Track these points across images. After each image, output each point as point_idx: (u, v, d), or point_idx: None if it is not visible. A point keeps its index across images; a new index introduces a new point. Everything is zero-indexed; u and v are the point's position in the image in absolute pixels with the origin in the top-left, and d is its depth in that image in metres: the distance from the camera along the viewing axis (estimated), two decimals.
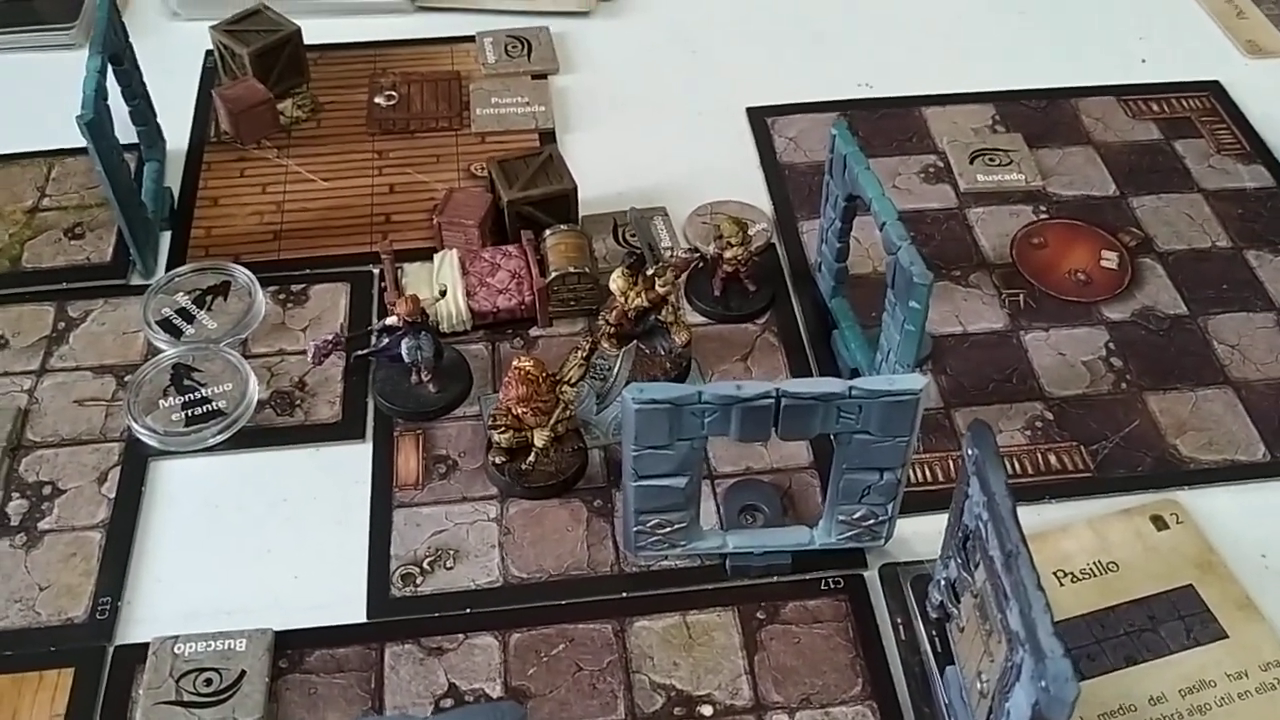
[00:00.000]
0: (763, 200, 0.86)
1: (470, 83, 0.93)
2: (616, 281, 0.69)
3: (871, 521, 0.63)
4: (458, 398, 0.72)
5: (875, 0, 1.04)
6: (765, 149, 0.90)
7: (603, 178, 0.86)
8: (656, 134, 0.91)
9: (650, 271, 0.69)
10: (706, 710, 0.60)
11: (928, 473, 0.70)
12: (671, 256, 0.74)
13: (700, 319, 0.77)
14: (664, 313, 0.71)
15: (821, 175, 0.86)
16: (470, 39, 0.98)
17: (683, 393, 0.56)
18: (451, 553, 0.65)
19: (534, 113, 0.91)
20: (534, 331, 0.76)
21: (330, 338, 0.69)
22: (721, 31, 1.01)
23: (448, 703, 0.59)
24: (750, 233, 0.77)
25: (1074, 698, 0.45)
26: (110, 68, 0.76)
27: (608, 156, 0.89)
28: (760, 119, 0.92)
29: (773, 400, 0.56)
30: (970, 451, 0.54)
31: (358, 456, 0.70)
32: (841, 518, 0.63)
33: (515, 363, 0.65)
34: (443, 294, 0.72)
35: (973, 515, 0.55)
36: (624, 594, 0.64)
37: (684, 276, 0.73)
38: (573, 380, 0.66)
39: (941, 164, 0.89)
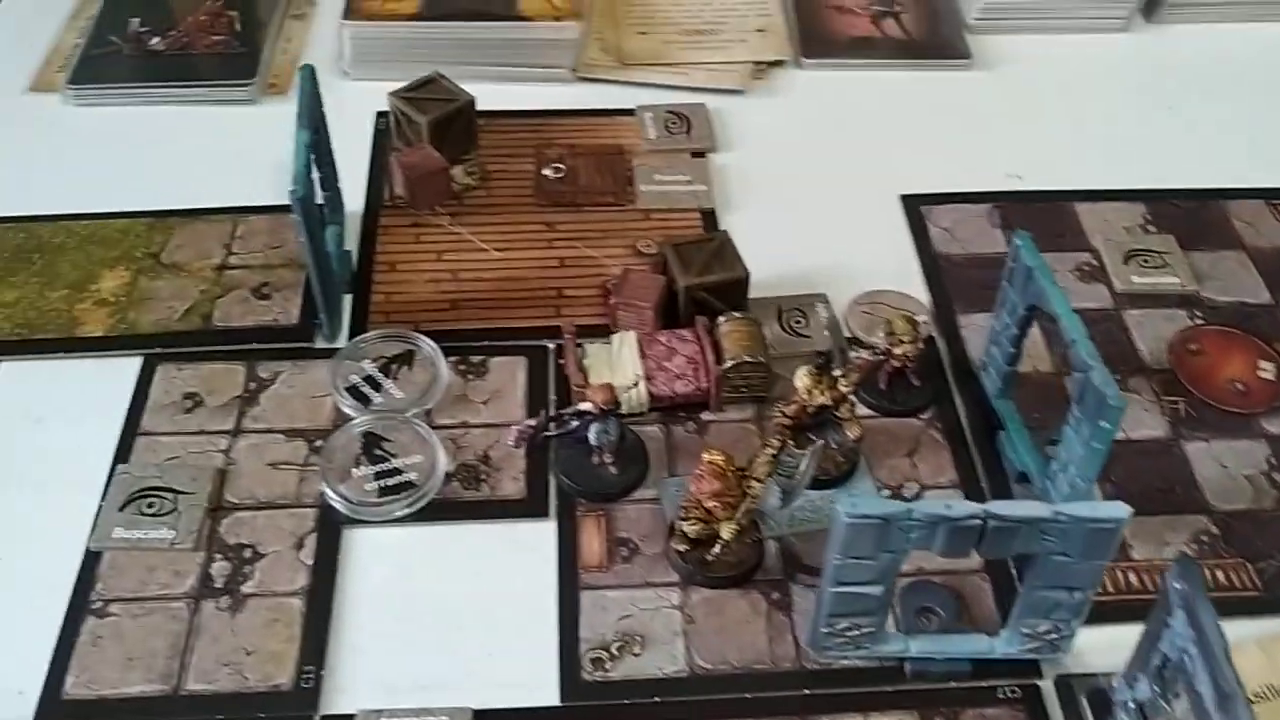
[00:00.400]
0: (920, 291, 0.88)
1: (633, 157, 0.96)
2: (802, 379, 0.71)
3: (1054, 636, 0.65)
4: (637, 480, 0.74)
5: (1025, 91, 1.06)
6: (920, 238, 0.92)
7: (761, 260, 0.87)
8: (812, 218, 0.93)
9: (837, 373, 0.71)
10: None
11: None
12: (857, 358, 0.76)
13: (865, 411, 0.79)
14: (842, 410, 0.73)
15: (978, 269, 0.89)
16: (630, 113, 1.00)
17: (893, 509, 0.58)
18: (638, 638, 0.67)
19: (696, 191, 0.93)
20: (706, 416, 0.78)
21: (534, 423, 0.71)
22: (873, 115, 1.03)
23: None
24: (921, 329, 0.79)
25: None
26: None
27: (765, 239, 0.90)
28: (914, 207, 0.94)
29: (980, 521, 0.58)
30: (1177, 585, 0.56)
31: (543, 534, 0.72)
32: (1025, 630, 0.64)
33: (706, 456, 0.68)
34: (636, 384, 0.74)
35: (1175, 647, 0.56)
36: (806, 691, 0.66)
37: (867, 378, 0.75)
38: (761, 476, 0.68)
39: (1095, 262, 0.90)
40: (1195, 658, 0.54)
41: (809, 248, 0.90)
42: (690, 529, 0.68)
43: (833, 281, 0.88)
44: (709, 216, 0.92)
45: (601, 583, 0.70)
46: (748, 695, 0.66)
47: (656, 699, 0.65)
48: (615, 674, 0.66)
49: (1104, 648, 0.68)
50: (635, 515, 0.73)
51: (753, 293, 0.85)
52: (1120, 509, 0.58)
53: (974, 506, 0.58)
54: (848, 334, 0.84)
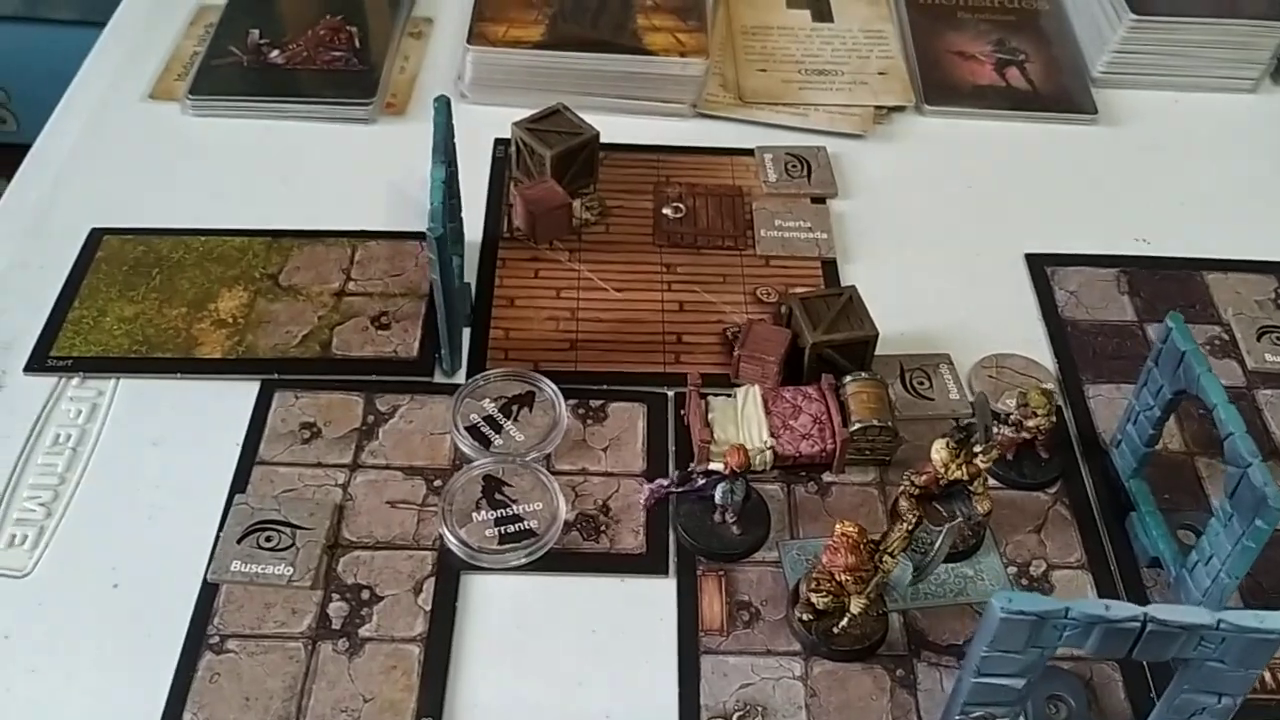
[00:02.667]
0: (1045, 357, 0.86)
1: (752, 200, 0.94)
2: (940, 453, 0.69)
3: None
4: (759, 541, 0.73)
5: (1152, 149, 1.03)
6: (1046, 301, 0.89)
7: (881, 315, 0.85)
8: (933, 272, 0.91)
9: (978, 449, 0.69)
10: None
11: None
12: (999, 435, 0.74)
13: (992, 483, 0.77)
14: (975, 484, 0.71)
15: (1106, 336, 0.87)
16: (749, 152, 0.99)
17: (1050, 607, 0.56)
18: (760, 709, 0.66)
19: (816, 239, 0.92)
20: (827, 477, 0.77)
21: (668, 483, 0.70)
22: (995, 167, 1.01)
23: None
24: (1057, 402, 0.77)
25: None
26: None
27: (885, 292, 0.88)
28: (1039, 267, 0.92)
29: (1138, 625, 0.56)
30: None
31: (663, 592, 0.70)
32: None
33: (839, 528, 0.66)
34: (768, 451, 0.72)
35: None
36: None
37: (1005, 455, 0.73)
38: (895, 551, 0.67)
39: (1226, 337, 0.88)
40: None
41: (929, 303, 0.89)
42: (820, 601, 0.67)
43: (955, 341, 0.86)
44: (830, 266, 0.90)
45: (722, 647, 0.68)
46: None
47: None
48: None
49: None
50: (756, 577, 0.71)
51: (880, 350, 0.84)
52: None
53: (1133, 609, 0.56)
54: (972, 398, 0.82)
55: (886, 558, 0.67)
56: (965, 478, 0.70)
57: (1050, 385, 0.82)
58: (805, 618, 0.68)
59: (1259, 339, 0.87)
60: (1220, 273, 0.93)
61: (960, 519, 0.69)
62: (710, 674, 0.67)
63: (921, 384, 0.82)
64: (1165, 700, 0.61)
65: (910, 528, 0.67)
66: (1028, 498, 0.77)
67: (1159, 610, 0.56)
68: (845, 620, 0.67)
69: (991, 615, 0.56)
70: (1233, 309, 0.90)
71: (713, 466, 0.70)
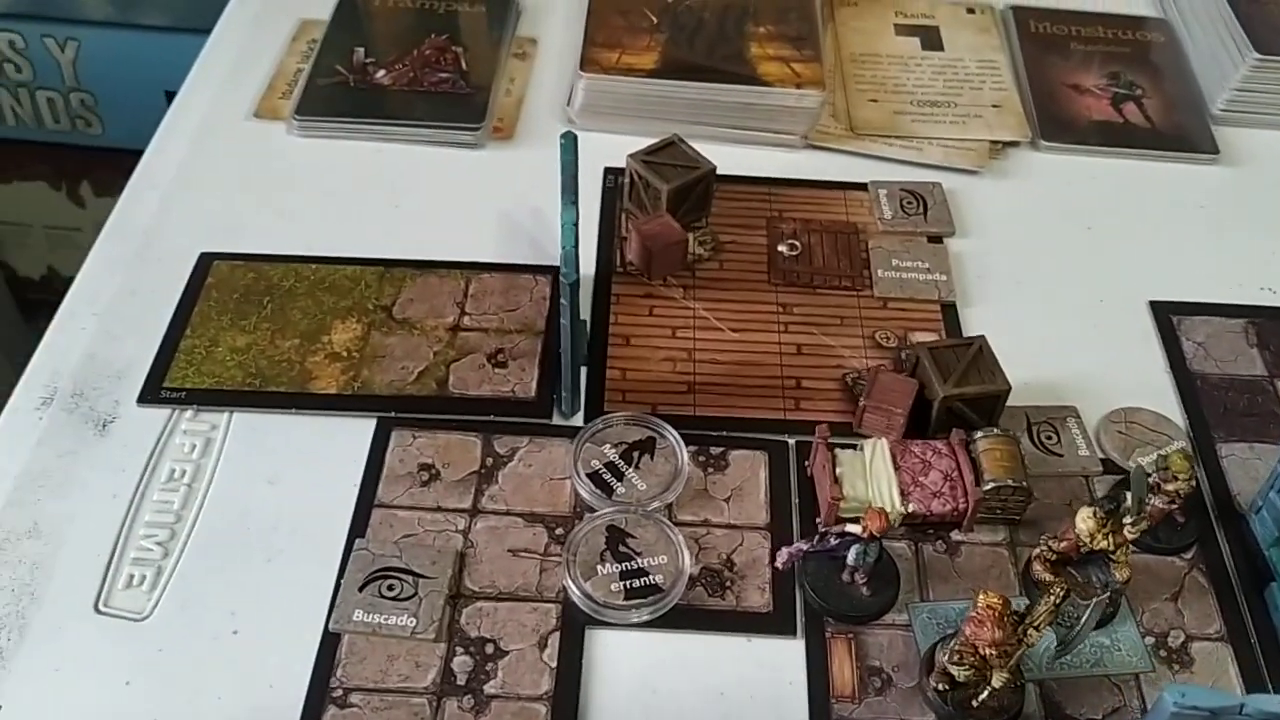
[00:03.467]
0: (1173, 411, 0.83)
1: (868, 238, 0.92)
2: (1085, 523, 0.67)
3: None
4: (889, 603, 0.71)
5: (1276, 192, 1.00)
6: (1173, 352, 0.87)
7: (1004, 364, 0.84)
8: (1056, 319, 0.89)
9: (1126, 520, 0.67)
10: None
11: None
12: (1150, 506, 0.72)
13: None
14: (1118, 553, 0.69)
15: (1237, 391, 0.84)
16: (862, 187, 0.96)
17: (1225, 702, 0.54)
18: None
19: (935, 281, 0.89)
20: (956, 536, 0.75)
21: (806, 546, 0.68)
22: (1116, 208, 0.98)
23: None
24: (1150, 450, 0.75)
25: None
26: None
27: (1005, 338, 0.85)
28: (1165, 315, 0.89)
29: None
30: None
31: (791, 654, 0.69)
32: None
33: (983, 599, 0.64)
34: (901, 520, 0.70)
35: None
36: None
37: (1154, 526, 0.70)
38: (1040, 625, 0.64)
39: None
40: None
41: (1052, 352, 0.86)
42: (961, 674, 0.65)
43: (1080, 392, 0.83)
44: (950, 310, 0.88)
45: (854, 715, 0.66)
46: None
47: None
48: None
49: None
50: (887, 641, 0.69)
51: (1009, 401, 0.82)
52: None
53: None
54: (1101, 454, 0.79)
55: (1031, 631, 0.65)
56: (1111, 548, 0.68)
57: (1185, 445, 0.80)
58: (941, 688, 0.66)
59: None
60: None
61: (1100, 588, 0.67)
62: None
63: (1049, 439, 0.80)
64: None
65: (1058, 601, 0.65)
66: (1163, 563, 0.75)
67: None
68: (985, 694, 0.65)
69: (1164, 709, 0.54)
70: None
71: (850, 529, 0.68)
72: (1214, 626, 0.72)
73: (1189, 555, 0.75)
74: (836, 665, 0.68)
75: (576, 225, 0.72)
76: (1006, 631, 0.63)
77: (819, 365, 0.83)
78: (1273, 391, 0.85)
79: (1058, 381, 0.84)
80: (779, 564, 0.69)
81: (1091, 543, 0.67)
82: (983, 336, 0.81)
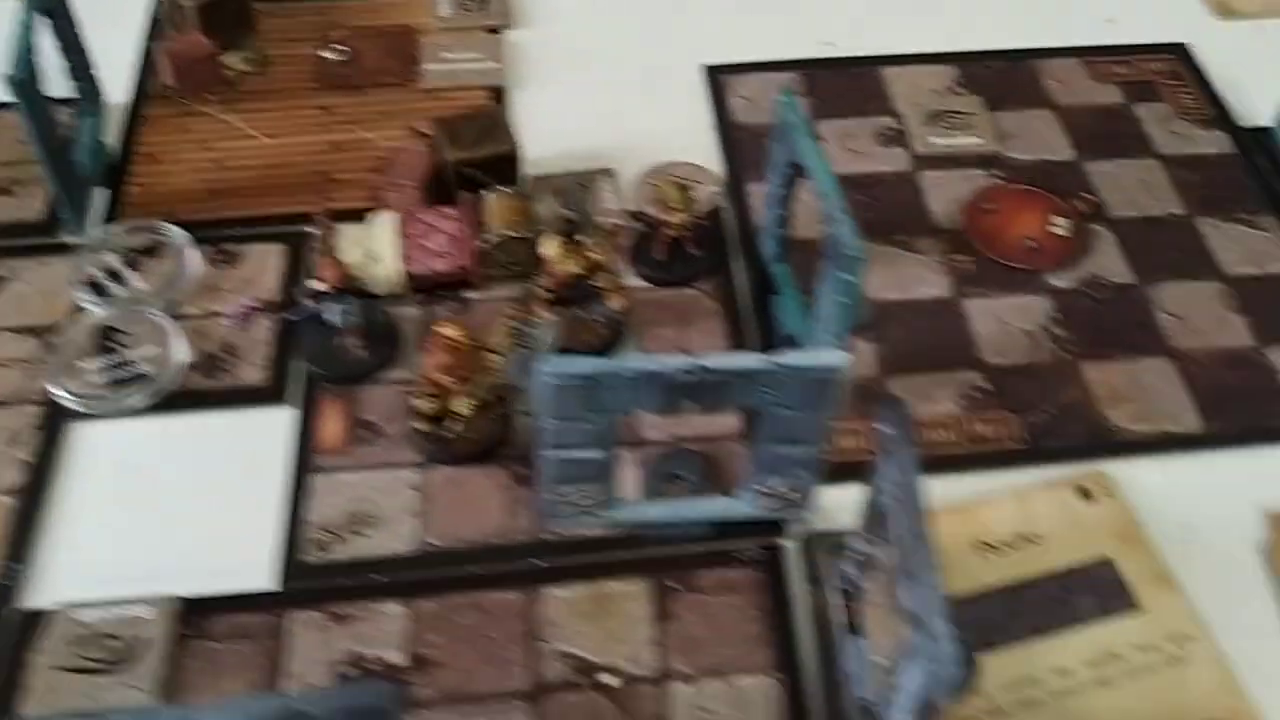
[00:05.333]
0: (715, 162, 0.84)
1: (423, 36, 0.92)
2: (550, 247, 0.68)
3: (791, 493, 0.62)
4: (385, 361, 0.71)
5: None
6: (721, 109, 0.88)
7: (553, 137, 0.85)
8: (610, 92, 0.89)
9: (584, 238, 0.68)
10: (608, 679, 0.60)
11: (859, 441, 0.69)
12: (609, 224, 0.73)
13: (642, 284, 0.76)
14: (600, 279, 0.70)
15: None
16: None
17: (600, 367, 0.55)
18: (370, 519, 0.65)
19: (486, 69, 0.89)
20: (470, 295, 0.75)
21: (250, 302, 0.68)
22: None
23: (351, 671, 0.59)
24: (695, 196, 0.76)
25: (961, 680, 0.45)
26: (45, 20, 0.74)
27: (559, 115, 0.87)
28: (717, 77, 0.90)
29: (692, 375, 0.55)
30: (883, 429, 0.53)
31: (282, 420, 0.69)
32: (761, 489, 0.62)
33: (438, 328, 0.65)
34: (373, 260, 0.70)
35: (885, 493, 0.54)
36: (539, 562, 0.64)
37: (619, 243, 0.71)
38: (501, 349, 0.66)
39: (898, 126, 0.87)
40: (898, 501, 0.52)
41: (604, 123, 0.87)
42: (424, 405, 0.66)
43: (627, 156, 0.84)
44: (499, 95, 0.88)
45: (337, 465, 0.67)
46: (476, 570, 0.63)
47: (382, 577, 0.63)
48: (341, 555, 0.63)
49: (857, 507, 0.65)
50: (382, 397, 0.70)
51: (541, 170, 0.82)
52: (837, 356, 0.56)
53: (685, 360, 0.55)
54: (634, 208, 0.80)
55: (489, 355, 0.66)
56: (583, 271, 0.69)
57: (706, 184, 0.81)
58: (421, 427, 0.67)
59: (928, 124, 0.87)
60: (899, 66, 0.92)
61: (602, 321, 0.69)
62: (322, 492, 0.66)
63: (569, 202, 0.81)
64: (753, 456, 0.61)
65: (513, 324, 0.66)
66: (677, 294, 0.76)
67: (710, 359, 0.55)
68: (460, 426, 0.66)
69: (542, 383, 0.55)
70: (908, 100, 0.89)
71: (317, 287, 0.68)
72: (718, 344, 0.73)
73: (704, 285, 0.77)
74: (324, 423, 0.69)
75: (29, 28, 0.71)
76: (459, 356, 0.64)
77: (356, 159, 0.83)
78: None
79: (606, 149, 0.85)
80: (226, 322, 0.69)
81: (564, 267, 0.68)
82: (497, 104, 0.81)
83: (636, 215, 0.75)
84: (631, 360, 0.55)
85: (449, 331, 0.64)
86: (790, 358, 0.56)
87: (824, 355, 0.55)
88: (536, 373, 0.55)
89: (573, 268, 0.68)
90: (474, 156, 0.77)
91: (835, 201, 0.64)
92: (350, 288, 0.68)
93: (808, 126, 0.68)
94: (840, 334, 0.65)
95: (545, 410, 0.57)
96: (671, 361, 0.55)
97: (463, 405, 0.65)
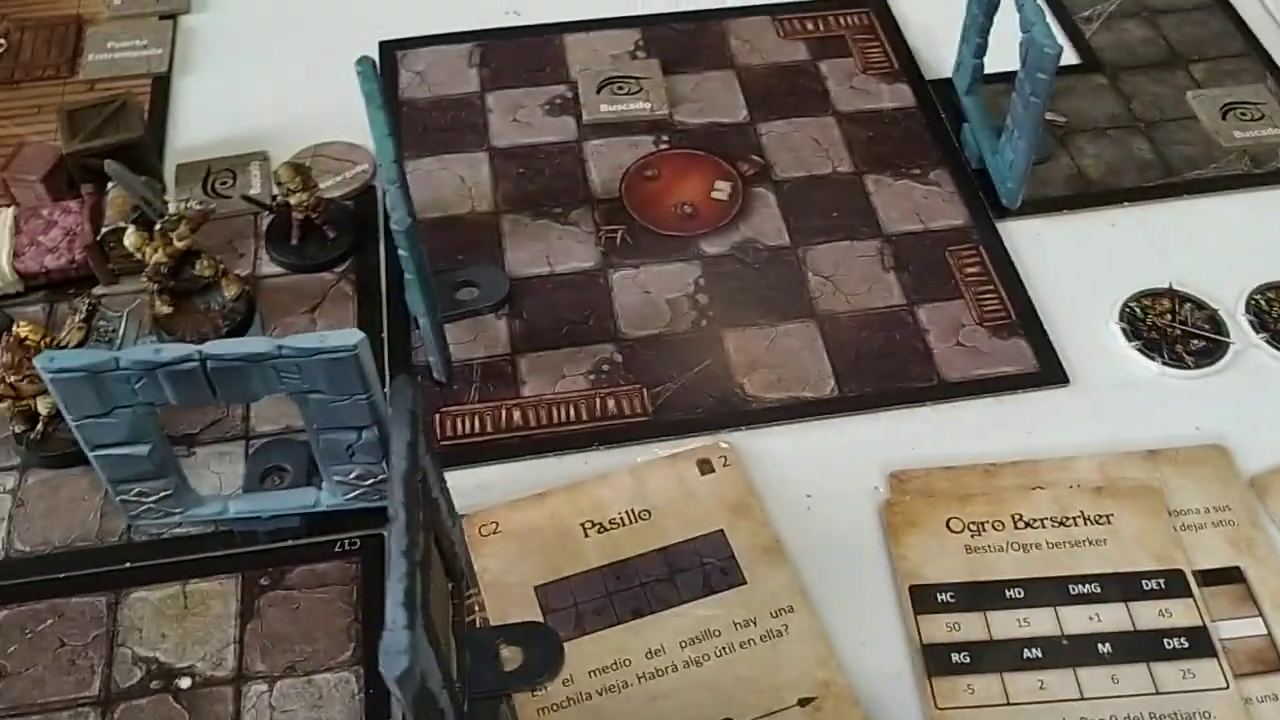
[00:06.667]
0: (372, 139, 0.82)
1: (91, 26, 0.89)
2: (130, 238, 0.66)
3: (371, 480, 0.61)
4: None
5: None
6: (389, 85, 0.86)
7: (212, 123, 0.83)
8: (279, 74, 0.87)
9: (159, 226, 0.66)
10: (185, 682, 0.58)
11: (478, 423, 0.68)
12: (187, 208, 0.71)
13: (277, 270, 0.75)
14: (199, 266, 0.68)
15: (441, 112, 0.85)
16: None
17: (97, 359, 0.53)
18: None
19: (149, 56, 0.87)
20: (99, 291, 0.73)
21: None
22: None
23: None
24: (330, 177, 0.74)
25: (400, 671, 0.43)
26: None
27: (223, 100, 0.85)
28: (391, 54, 0.88)
29: (197, 363, 0.53)
30: (388, 408, 0.52)
31: None
32: (338, 478, 0.61)
33: (14, 327, 0.63)
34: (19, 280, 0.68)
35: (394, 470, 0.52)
36: (127, 564, 0.62)
37: (199, 228, 0.69)
38: (69, 344, 0.64)
39: (570, 95, 0.86)
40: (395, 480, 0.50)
41: (267, 106, 0.85)
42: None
43: (284, 139, 0.82)
44: (161, 81, 0.86)
45: None
46: (60, 575, 0.61)
47: None
48: None
49: (471, 490, 0.64)
50: None
51: (194, 157, 0.81)
52: (349, 336, 0.54)
53: (187, 348, 0.53)
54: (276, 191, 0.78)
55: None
56: (169, 259, 0.67)
57: (359, 162, 0.80)
58: (18, 430, 0.65)
59: (599, 92, 0.85)
60: (582, 33, 0.90)
61: (219, 310, 0.67)
62: None
63: (225, 184, 0.79)
64: (314, 446, 0.59)
65: (84, 316, 0.64)
66: (312, 280, 0.75)
67: (214, 346, 0.54)
68: (40, 425, 0.64)
69: (50, 383, 0.53)
70: (583, 66, 0.87)
71: None
72: (346, 326, 0.71)
73: (341, 269, 0.75)
74: None
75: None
76: (27, 355, 0.62)
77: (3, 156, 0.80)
78: (481, 104, 0.85)
79: (266, 134, 0.83)
80: None
81: (145, 257, 0.66)
82: (128, 92, 0.79)
83: (270, 200, 0.73)
84: (131, 351, 0.53)
85: (20, 329, 0.62)
86: (298, 340, 0.54)
87: (334, 337, 0.53)
88: (43, 370, 0.53)
89: (158, 257, 0.66)
90: (93, 146, 0.75)
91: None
92: None
93: (376, 98, 0.66)
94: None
95: (66, 408, 0.55)
96: (170, 350, 0.53)
97: (43, 406, 0.63)
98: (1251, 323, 0.72)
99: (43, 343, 0.63)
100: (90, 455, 0.57)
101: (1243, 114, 0.84)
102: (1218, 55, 0.89)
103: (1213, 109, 0.84)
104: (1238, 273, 0.75)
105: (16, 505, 0.64)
